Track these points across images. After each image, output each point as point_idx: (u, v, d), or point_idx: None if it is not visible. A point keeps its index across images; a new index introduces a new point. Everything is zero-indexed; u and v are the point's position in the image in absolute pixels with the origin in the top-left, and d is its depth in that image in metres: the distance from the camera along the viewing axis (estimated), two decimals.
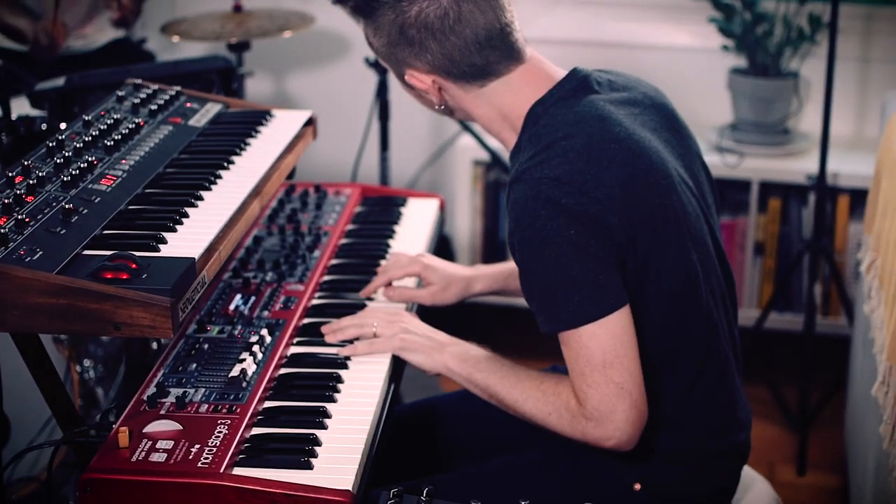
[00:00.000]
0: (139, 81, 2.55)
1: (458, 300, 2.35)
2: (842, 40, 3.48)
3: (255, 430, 1.87)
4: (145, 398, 1.91)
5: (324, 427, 1.88)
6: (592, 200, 1.84)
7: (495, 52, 1.95)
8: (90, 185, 2.04)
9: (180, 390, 1.92)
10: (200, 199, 2.08)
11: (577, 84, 1.99)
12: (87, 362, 3.09)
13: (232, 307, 2.21)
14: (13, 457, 2.10)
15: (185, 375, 1.98)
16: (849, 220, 3.85)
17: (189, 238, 1.93)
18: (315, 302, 2.28)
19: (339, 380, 2.01)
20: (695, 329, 1.98)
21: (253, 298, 2.24)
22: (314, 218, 2.61)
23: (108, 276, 1.75)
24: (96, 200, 2.00)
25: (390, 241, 2.56)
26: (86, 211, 1.95)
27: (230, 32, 3.57)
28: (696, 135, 2.16)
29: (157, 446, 1.78)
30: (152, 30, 4.46)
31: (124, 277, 1.76)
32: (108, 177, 2.09)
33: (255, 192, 2.18)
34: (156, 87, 2.54)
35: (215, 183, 2.16)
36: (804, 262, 3.70)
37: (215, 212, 2.04)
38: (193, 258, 1.83)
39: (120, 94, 2.46)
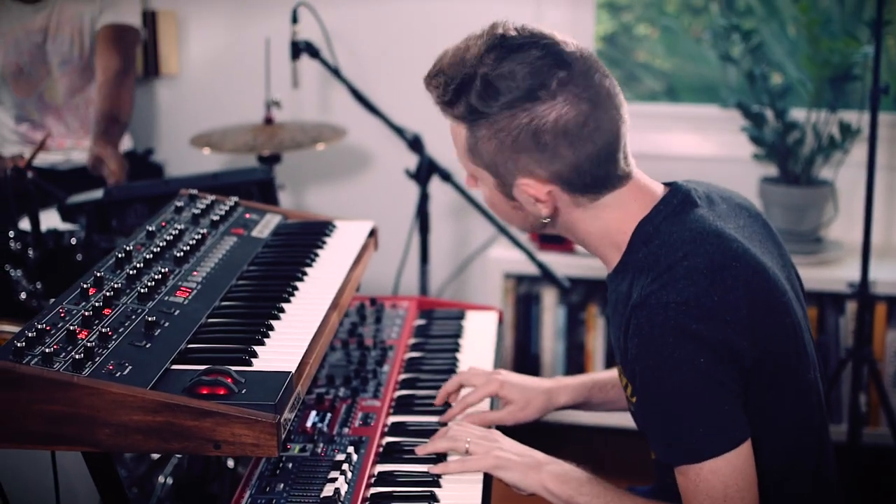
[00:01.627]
0: (195, 192, 2.48)
1: (539, 415, 2.25)
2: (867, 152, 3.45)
3: None
4: None
5: None
6: (722, 324, 1.76)
7: (615, 164, 1.86)
8: (167, 298, 1.96)
9: None
10: (283, 311, 2.00)
11: (681, 199, 1.90)
12: None
13: (309, 424, 2.11)
14: None
15: (274, 496, 1.87)
16: (886, 327, 3.79)
17: (279, 351, 1.85)
18: (393, 419, 2.19)
19: (434, 498, 1.90)
20: (809, 451, 1.90)
21: (329, 415, 2.14)
22: (376, 332, 2.53)
23: (205, 392, 1.66)
24: (176, 313, 1.92)
25: (457, 355, 2.47)
26: (167, 324, 1.87)
27: (263, 144, 3.51)
28: None
29: None
30: (167, 141, 4.42)
31: (222, 393, 1.66)
32: (183, 289, 2.01)
33: (334, 304, 2.10)
34: (213, 197, 2.47)
35: (293, 295, 2.08)
36: (845, 372, 3.63)
37: (300, 324, 1.96)
38: (291, 371, 1.74)
39: (178, 204, 2.39)
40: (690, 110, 4.29)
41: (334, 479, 1.89)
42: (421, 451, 2.03)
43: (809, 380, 1.89)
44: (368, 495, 1.92)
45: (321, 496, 1.84)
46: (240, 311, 2.00)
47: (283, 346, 1.86)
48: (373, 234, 2.50)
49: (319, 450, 2.02)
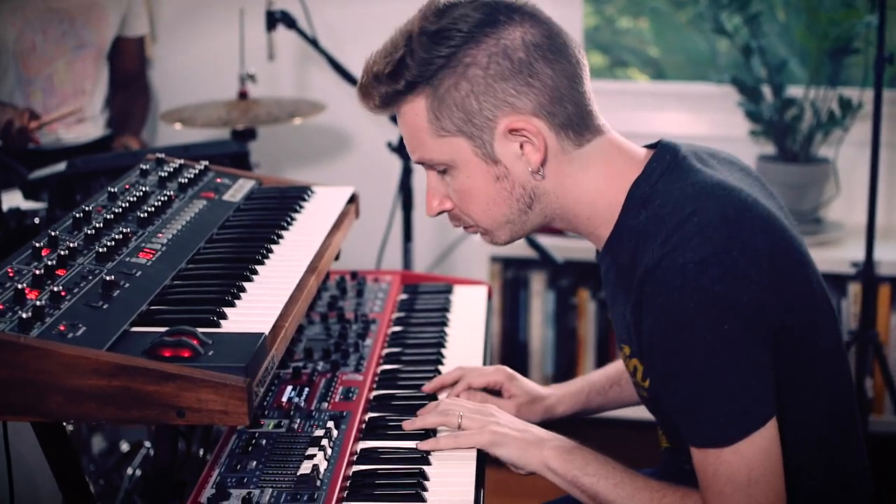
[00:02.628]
0: (162, 156, 2.30)
1: (539, 420, 2.04)
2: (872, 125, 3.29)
3: None
4: (204, 501, 1.62)
5: None
6: (746, 282, 1.58)
7: (589, 101, 1.71)
8: (128, 259, 1.79)
9: (243, 491, 1.64)
10: (255, 273, 1.83)
11: (673, 155, 1.73)
12: None
13: (285, 399, 1.93)
14: None
15: (245, 475, 1.69)
16: (890, 309, 3.64)
17: (251, 313, 1.68)
18: (378, 393, 2.01)
19: (424, 477, 1.73)
20: (844, 420, 1.73)
21: (307, 390, 1.96)
22: (357, 305, 2.35)
23: (168, 354, 1.49)
24: (137, 274, 1.74)
25: (445, 329, 2.29)
26: (127, 285, 1.69)
27: (237, 119, 3.33)
28: None
29: None
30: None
31: (186, 355, 1.49)
32: (146, 250, 1.84)
33: (312, 268, 1.92)
34: (181, 161, 2.29)
35: (267, 257, 1.91)
36: (848, 356, 3.47)
37: (274, 286, 1.79)
38: (264, 333, 1.57)
39: (144, 167, 2.21)
40: (682, 88, 4.12)
41: (312, 456, 1.71)
42: (409, 426, 1.86)
43: (839, 337, 1.73)
44: (350, 473, 1.74)
45: (298, 474, 1.67)
46: (208, 273, 1.82)
47: (256, 308, 1.69)
48: (353, 200, 2.33)
49: (296, 425, 1.84)
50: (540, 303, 3.84)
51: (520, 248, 3.64)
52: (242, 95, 3.50)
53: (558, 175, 1.71)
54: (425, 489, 1.70)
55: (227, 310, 1.66)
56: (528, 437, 1.80)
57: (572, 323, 3.85)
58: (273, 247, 1.95)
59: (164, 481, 2.01)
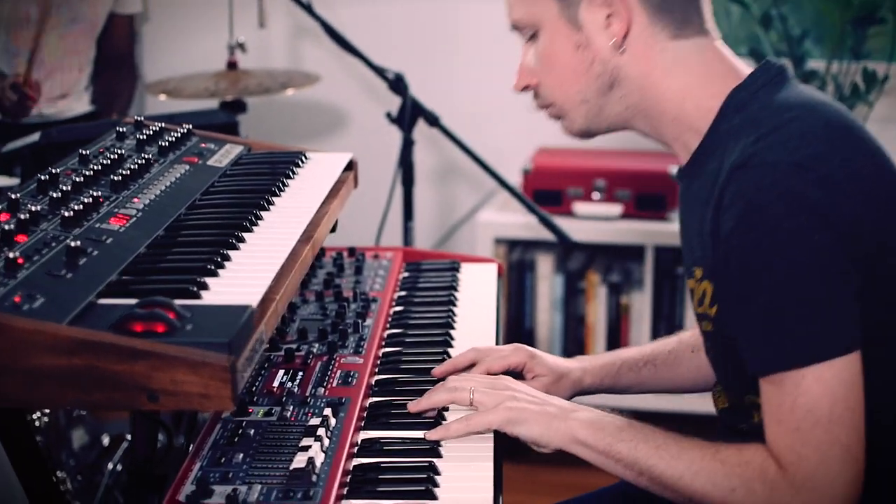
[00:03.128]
0: (141, 119, 2.09)
1: (568, 396, 1.85)
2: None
3: None
4: (182, 499, 1.41)
5: None
6: (843, 194, 1.42)
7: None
8: (98, 225, 1.57)
9: (228, 487, 1.42)
10: (242, 240, 1.62)
11: (778, 70, 1.59)
12: (60, 474, 2.57)
13: (276, 384, 1.72)
14: None
15: (231, 468, 1.48)
16: None
17: (237, 283, 1.47)
18: (380, 378, 1.80)
19: (434, 471, 1.52)
20: None
21: (301, 374, 1.75)
22: (356, 283, 2.14)
23: (139, 329, 1.27)
24: (107, 241, 1.53)
25: (454, 309, 2.08)
26: (95, 253, 1.48)
27: (226, 90, 3.12)
28: None
29: None
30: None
31: (160, 330, 1.27)
32: (119, 216, 1.63)
33: (306, 236, 1.71)
34: (161, 124, 2.08)
35: (256, 224, 1.70)
36: None
37: (263, 256, 1.58)
38: (251, 306, 1.35)
39: (120, 130, 2.00)
40: None
41: (307, 448, 1.50)
42: (414, 407, 1.67)
43: None
44: (350, 467, 1.53)
45: (291, 468, 1.45)
46: (189, 241, 1.61)
47: (243, 279, 1.48)
48: (352, 167, 2.12)
49: (289, 413, 1.63)
50: (547, 287, 3.63)
51: (526, 229, 3.44)
52: (231, 65, 3.29)
53: (645, 62, 1.59)
54: (436, 485, 1.49)
55: (209, 280, 1.45)
56: (550, 409, 1.61)
57: (581, 308, 3.64)
58: (263, 213, 1.74)
59: (142, 476, 1.80)
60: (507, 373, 1.81)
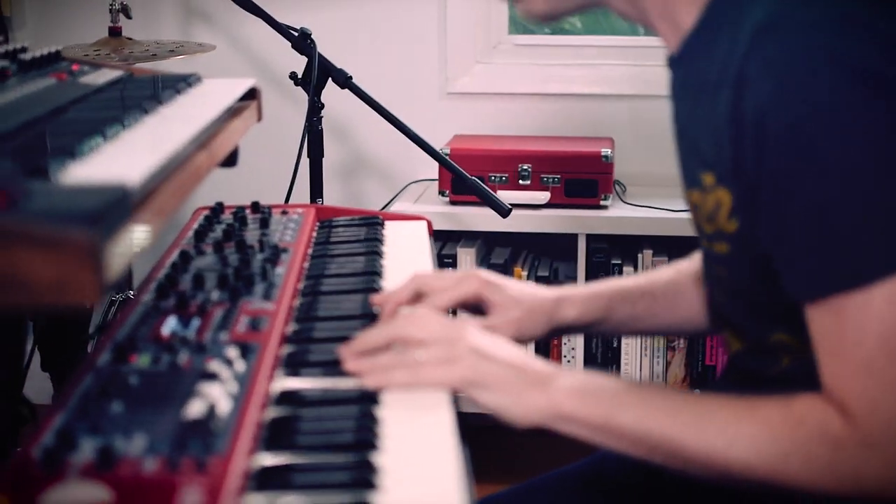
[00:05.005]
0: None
1: (543, 333, 1.54)
2: None
3: (253, 500, 1.01)
4: (36, 455, 1.03)
5: (372, 486, 1.04)
6: None
7: None
8: None
9: (99, 440, 1.05)
10: (115, 136, 1.25)
11: None
12: None
13: (166, 331, 1.35)
14: None
15: (103, 420, 1.11)
16: None
17: (108, 164, 1.10)
18: (298, 328, 1.45)
19: (372, 419, 1.17)
20: None
21: (197, 321, 1.38)
22: (262, 235, 1.78)
23: None
24: None
25: (381, 261, 1.74)
26: None
27: (107, 59, 2.74)
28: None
29: None
30: None
31: None
32: None
33: (200, 142, 1.35)
34: (25, 43, 1.71)
35: (135, 123, 1.33)
36: None
37: (144, 147, 1.21)
38: (125, 185, 0.99)
39: None
40: (615, 42, 3.61)
41: (204, 395, 1.13)
42: (347, 351, 1.30)
43: None
44: (267, 419, 1.17)
45: (186, 418, 1.09)
46: (48, 131, 1.24)
47: (114, 165, 1.11)
48: (255, 96, 1.76)
49: (182, 361, 1.26)
50: None
51: (444, 220, 3.11)
52: (114, 33, 2.91)
53: None
54: (375, 436, 1.13)
55: (69, 162, 1.08)
56: (525, 374, 1.26)
57: None
58: (144, 117, 1.38)
59: None
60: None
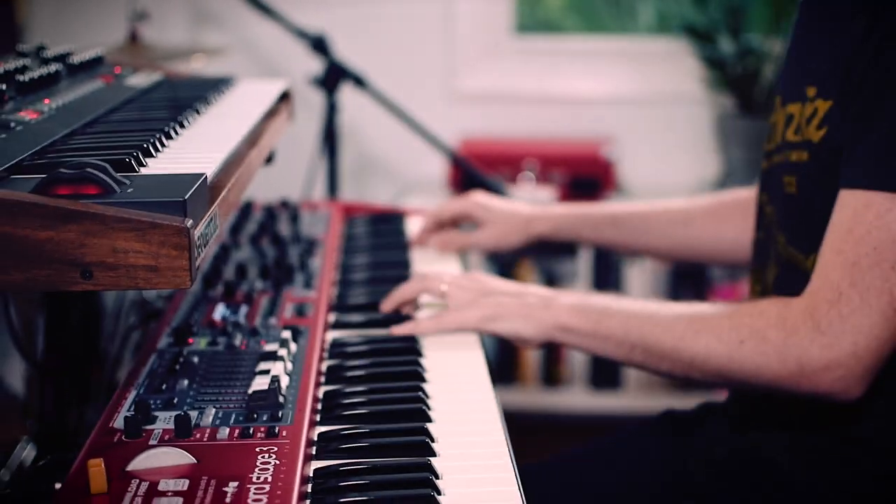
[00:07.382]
0: (43, 43, 1.81)
1: (520, 245, 1.80)
2: None
3: (317, 464, 1.11)
4: (117, 426, 1.12)
5: (432, 453, 1.13)
6: None
7: None
8: (5, 116, 1.29)
9: (173, 413, 1.14)
10: (177, 134, 1.34)
11: None
12: None
13: (217, 317, 1.44)
14: None
15: (175, 395, 1.20)
16: None
17: (180, 160, 1.20)
18: (340, 317, 1.54)
19: (425, 393, 1.26)
20: None
21: (245, 308, 1.48)
22: (293, 230, 1.87)
23: (66, 192, 0.99)
24: (17, 128, 1.25)
25: (408, 255, 1.84)
26: (4, 135, 1.20)
27: (129, 63, 2.82)
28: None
29: (163, 488, 0.99)
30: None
31: (93, 193, 1.00)
32: (30, 111, 1.35)
33: (251, 140, 1.45)
34: (71, 46, 1.80)
35: (189, 122, 1.42)
36: None
37: (207, 146, 1.30)
38: (205, 174, 1.08)
39: (21, 50, 1.72)
40: (619, 45, 3.70)
41: (266, 372, 1.23)
42: (387, 305, 1.52)
43: None
44: (321, 395, 1.26)
45: (251, 391, 1.18)
46: (116, 129, 1.34)
47: (185, 161, 1.21)
48: (286, 98, 1.85)
49: (238, 342, 1.35)
50: None
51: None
52: (133, 38, 2.99)
53: None
54: (430, 407, 1.23)
55: (145, 159, 1.17)
56: (530, 300, 1.45)
57: None
58: (197, 117, 1.47)
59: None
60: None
